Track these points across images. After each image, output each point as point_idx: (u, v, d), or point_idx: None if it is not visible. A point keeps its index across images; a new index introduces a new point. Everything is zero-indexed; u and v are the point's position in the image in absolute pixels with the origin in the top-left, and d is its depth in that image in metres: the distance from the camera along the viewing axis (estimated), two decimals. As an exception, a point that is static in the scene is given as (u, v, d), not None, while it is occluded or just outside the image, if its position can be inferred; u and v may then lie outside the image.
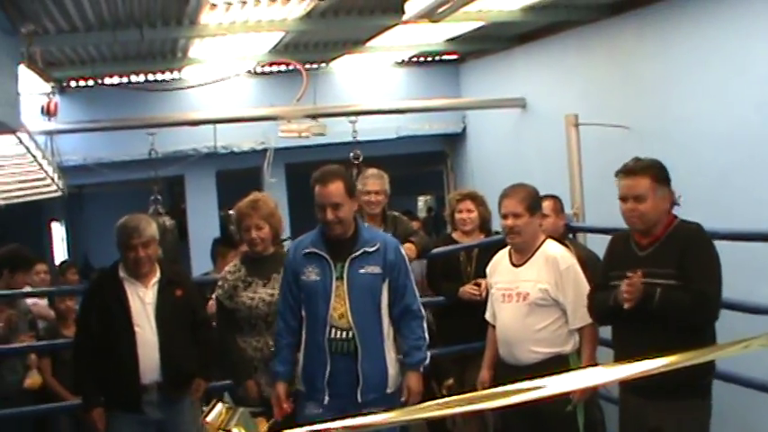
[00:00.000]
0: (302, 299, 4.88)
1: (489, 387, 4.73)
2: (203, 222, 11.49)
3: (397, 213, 6.94)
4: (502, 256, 5.36)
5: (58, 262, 12.37)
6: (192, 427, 4.98)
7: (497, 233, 6.24)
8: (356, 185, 6.49)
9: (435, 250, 6.64)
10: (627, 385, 4.52)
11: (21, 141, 7.56)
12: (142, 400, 5.13)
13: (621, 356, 3.81)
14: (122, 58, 9.95)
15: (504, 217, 5.10)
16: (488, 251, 6.45)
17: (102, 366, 5.16)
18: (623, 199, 4.50)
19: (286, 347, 4.97)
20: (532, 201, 5.14)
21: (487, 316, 5.45)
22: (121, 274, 5.37)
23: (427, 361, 4.95)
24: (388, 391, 4.87)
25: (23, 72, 7.84)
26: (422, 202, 15.52)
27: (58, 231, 16.33)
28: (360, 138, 10.01)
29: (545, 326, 5.02)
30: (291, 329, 4.96)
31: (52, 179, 9.67)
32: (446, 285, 6.57)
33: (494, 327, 5.35)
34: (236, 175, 11.34)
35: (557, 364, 4.77)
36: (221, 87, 10.94)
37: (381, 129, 11.40)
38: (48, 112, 10.16)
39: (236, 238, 5.86)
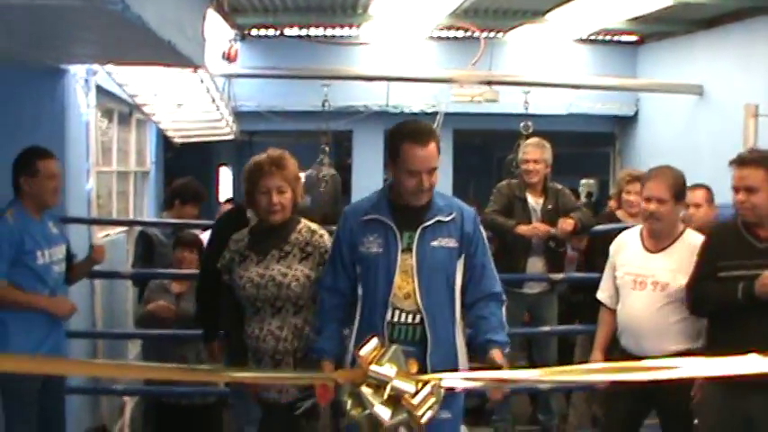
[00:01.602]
0: (359, 275, 4.05)
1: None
2: (367, 179, 11.58)
3: (560, 186, 6.90)
4: (631, 238, 5.03)
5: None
6: None
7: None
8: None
9: (598, 227, 6.59)
10: (729, 381, 4.12)
11: (202, 81, 7.86)
12: None
13: (731, 349, 3.58)
14: (304, 9, 10.14)
15: (648, 200, 4.77)
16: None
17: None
18: (736, 189, 4.40)
19: (331, 323, 4.18)
20: (679, 187, 4.81)
21: (602, 296, 5.17)
22: (249, 215, 4.92)
23: (508, 349, 4.02)
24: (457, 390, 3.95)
25: (210, 16, 8.11)
26: (583, 185, 15.26)
27: (226, 176, 16.79)
28: (530, 110, 9.96)
29: (680, 319, 4.71)
30: (339, 306, 4.19)
31: (227, 122, 10.01)
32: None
33: (610, 309, 5.07)
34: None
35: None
36: (397, 47, 11.08)
37: (552, 104, 11.31)
38: (228, 58, 10.53)
39: (245, 200, 4.68)
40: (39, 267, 4.88)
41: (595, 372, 3.58)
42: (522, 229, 6.53)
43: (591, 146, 13.89)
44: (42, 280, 4.92)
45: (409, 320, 3.92)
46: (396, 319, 3.93)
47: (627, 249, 4.97)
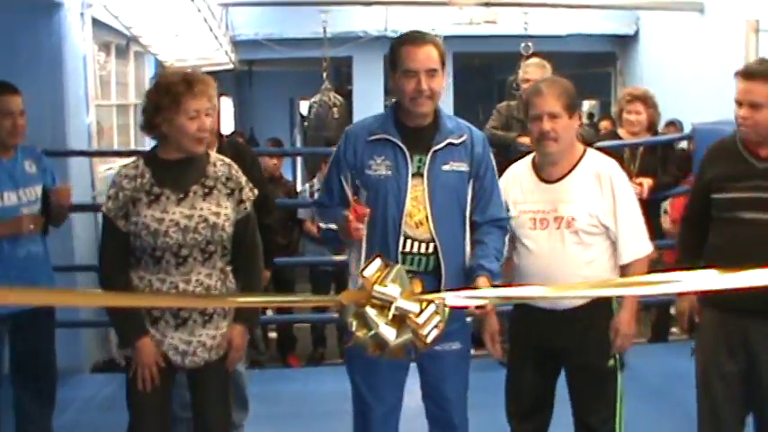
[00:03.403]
0: (365, 201, 3.68)
1: (501, 339, 3.94)
2: (368, 105, 11.48)
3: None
4: (523, 170, 4.05)
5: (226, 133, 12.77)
6: None
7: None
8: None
9: (601, 143, 6.57)
10: (717, 301, 3.88)
11: (199, 10, 7.81)
12: None
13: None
14: (301, -66, 10.04)
15: (537, 119, 3.82)
16: (654, 151, 6.38)
17: None
18: (739, 103, 3.86)
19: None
20: (570, 98, 3.86)
21: None
22: None
23: (498, 280, 3.71)
24: (468, 319, 3.82)
25: (205, -58, 8.04)
26: (586, 106, 15.21)
27: (227, 106, 16.75)
28: (530, 32, 9.91)
29: (591, 260, 3.82)
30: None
31: (225, 51, 9.97)
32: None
33: (508, 260, 4.00)
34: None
35: (601, 310, 3.84)
36: (395, -29, 10.97)
37: (552, 24, 11.22)
38: (225, -14, 10.44)
39: (151, 124, 3.62)
40: None
41: (602, 286, 3.56)
42: (524, 139, 6.06)
43: (592, 66, 13.84)
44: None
45: (422, 250, 3.66)
46: (408, 249, 3.65)
47: (520, 183, 4.02)
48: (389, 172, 3.65)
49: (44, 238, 4.61)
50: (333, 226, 3.71)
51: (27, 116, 4.50)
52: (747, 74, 3.84)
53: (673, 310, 5.96)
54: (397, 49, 3.67)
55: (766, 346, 3.79)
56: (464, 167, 3.72)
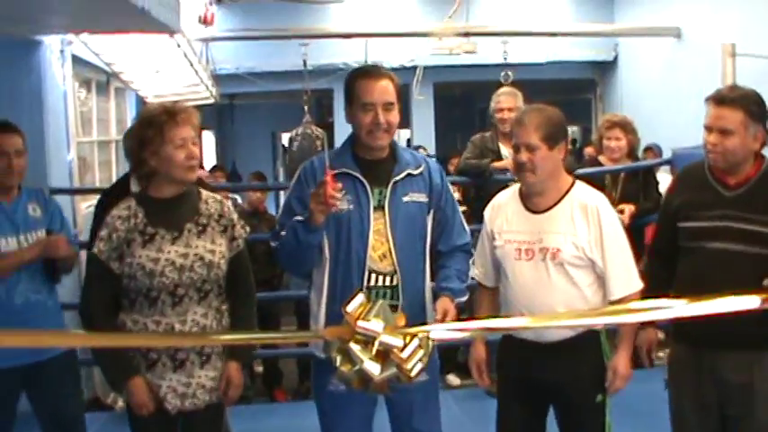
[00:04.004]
0: (328, 234, 3.63)
1: (487, 368, 3.92)
2: (348, 137, 11.57)
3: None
4: (509, 199, 3.95)
5: (207, 168, 12.77)
6: None
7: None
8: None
9: (581, 170, 6.58)
10: (689, 336, 3.81)
11: (179, 46, 7.82)
12: None
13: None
14: (279, -32, 10.10)
15: (516, 149, 3.74)
16: (635, 177, 6.39)
17: None
18: (708, 129, 3.77)
19: None
20: (551, 128, 3.72)
21: (477, 273, 4.09)
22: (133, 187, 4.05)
23: (464, 298, 3.78)
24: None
25: (184, -22, 8.07)
26: (568, 132, 15.26)
27: (209, 141, 16.76)
28: (509, 60, 9.97)
29: (577, 293, 3.72)
30: None
31: (206, 86, 9.98)
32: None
33: (488, 289, 4.03)
34: (384, 91, 11.41)
35: (589, 344, 3.75)
36: (374, 3, 11.04)
37: (531, 53, 11.33)
38: (205, 21, 10.46)
39: (134, 163, 3.65)
40: None
41: (585, 316, 3.55)
42: (498, 163, 6.29)
43: (572, 93, 13.92)
44: None
45: (386, 282, 3.63)
46: (372, 283, 3.61)
47: (506, 213, 3.92)
48: (351, 206, 3.60)
49: (50, 286, 4.34)
50: (299, 218, 3.57)
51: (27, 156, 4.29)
52: (718, 99, 3.76)
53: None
54: (354, 83, 3.65)
55: (736, 376, 3.71)
56: (423, 198, 3.73)
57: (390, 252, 3.62)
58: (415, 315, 3.49)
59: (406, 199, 3.67)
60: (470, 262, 3.88)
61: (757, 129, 3.72)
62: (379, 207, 3.64)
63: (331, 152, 3.69)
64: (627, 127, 6.57)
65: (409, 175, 3.69)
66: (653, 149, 8.55)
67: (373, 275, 3.61)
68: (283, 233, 3.62)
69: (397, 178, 3.66)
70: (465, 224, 3.91)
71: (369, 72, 3.68)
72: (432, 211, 3.76)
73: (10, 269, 4.10)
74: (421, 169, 3.74)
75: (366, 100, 3.59)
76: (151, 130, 3.47)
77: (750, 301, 2.97)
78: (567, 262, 3.69)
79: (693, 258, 3.82)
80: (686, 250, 3.87)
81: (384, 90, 3.61)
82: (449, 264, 3.81)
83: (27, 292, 4.18)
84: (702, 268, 3.74)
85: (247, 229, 3.80)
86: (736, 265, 3.63)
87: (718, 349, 3.72)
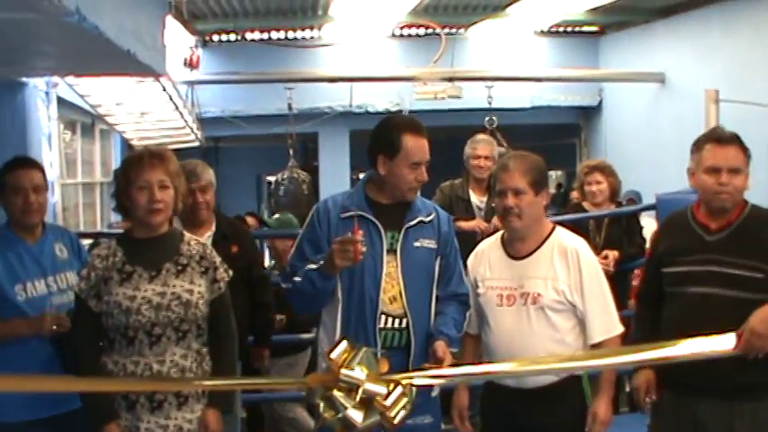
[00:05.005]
0: (341, 276, 3.67)
1: (470, 414, 3.90)
2: (334, 181, 11.61)
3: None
4: (492, 246, 4.00)
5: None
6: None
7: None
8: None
9: (562, 217, 6.56)
10: (672, 383, 3.77)
11: (165, 89, 7.83)
12: None
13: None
14: (264, 13, 10.17)
15: (502, 194, 3.77)
16: (619, 222, 6.38)
17: None
18: (716, 170, 3.69)
19: None
20: (537, 174, 3.79)
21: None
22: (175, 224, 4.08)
23: (457, 350, 3.80)
24: (433, 394, 3.75)
25: (169, 23, 8.09)
26: (552, 176, 15.29)
27: (193, 182, 16.77)
28: (494, 105, 10.02)
29: (558, 338, 3.73)
30: None
31: (192, 129, 9.98)
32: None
33: (471, 336, 3.99)
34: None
35: (571, 389, 3.73)
36: (359, 47, 11.11)
37: (516, 97, 11.38)
38: (190, 65, 10.49)
39: (120, 204, 3.68)
40: (21, 303, 3.86)
41: (574, 359, 3.54)
42: (463, 224, 5.98)
43: (557, 138, 13.97)
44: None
45: (396, 325, 3.68)
46: (383, 325, 3.67)
47: (488, 260, 3.95)
48: (364, 248, 3.56)
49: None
50: (313, 266, 3.62)
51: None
52: (723, 140, 3.74)
53: (628, 387, 5.83)
54: (400, 137, 3.69)
55: (718, 426, 3.67)
56: (433, 245, 3.79)
57: (401, 295, 3.69)
58: (425, 358, 3.60)
59: (417, 244, 3.76)
60: (467, 314, 3.87)
61: (747, 169, 3.74)
62: (391, 250, 3.72)
63: (344, 194, 3.86)
64: (606, 170, 6.57)
65: (421, 221, 3.79)
66: (633, 199, 8.57)
67: (383, 317, 3.67)
68: (297, 279, 3.68)
69: (411, 224, 3.75)
70: (464, 275, 3.94)
71: (418, 129, 3.74)
72: (439, 258, 3.82)
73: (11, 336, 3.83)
74: (432, 217, 3.84)
75: (416, 159, 3.70)
76: (122, 174, 3.59)
77: (725, 341, 2.99)
78: (548, 306, 3.71)
79: (677, 303, 3.81)
80: (670, 295, 3.86)
81: (427, 149, 3.74)
82: (446, 311, 3.82)
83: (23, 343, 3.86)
84: (685, 312, 3.73)
85: (230, 272, 3.77)
86: (719, 308, 3.62)
87: (700, 398, 3.70)
